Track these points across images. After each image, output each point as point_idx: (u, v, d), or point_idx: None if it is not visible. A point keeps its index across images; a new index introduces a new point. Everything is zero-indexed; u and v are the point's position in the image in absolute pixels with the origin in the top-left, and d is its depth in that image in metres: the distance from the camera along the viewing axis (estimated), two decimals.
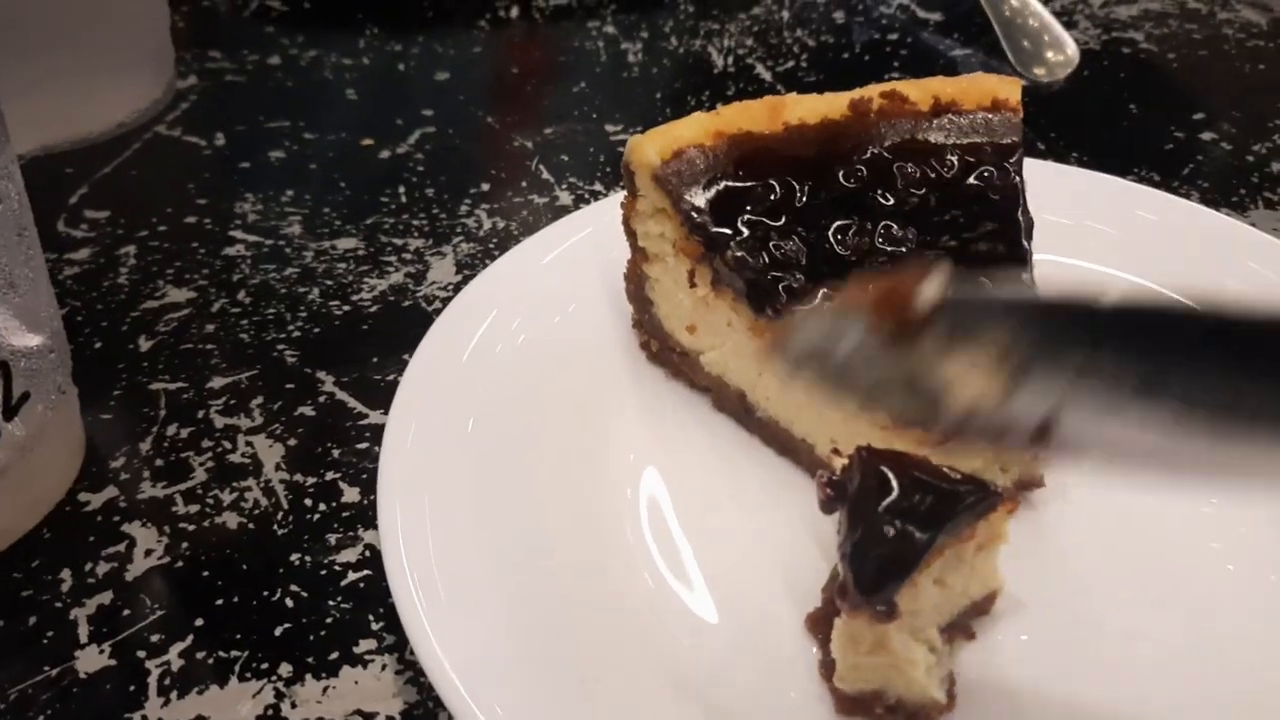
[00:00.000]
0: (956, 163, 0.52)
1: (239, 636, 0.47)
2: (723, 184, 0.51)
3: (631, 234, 0.55)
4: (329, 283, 0.67)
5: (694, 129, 0.52)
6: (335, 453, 0.56)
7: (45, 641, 0.47)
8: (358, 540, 0.51)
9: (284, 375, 0.60)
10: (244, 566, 0.50)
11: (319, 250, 0.69)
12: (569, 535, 0.47)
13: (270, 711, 0.44)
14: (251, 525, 0.52)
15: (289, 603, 0.49)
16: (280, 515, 0.53)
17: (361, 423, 0.57)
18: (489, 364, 0.53)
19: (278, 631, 0.47)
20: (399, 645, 0.47)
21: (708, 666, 0.43)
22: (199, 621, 0.48)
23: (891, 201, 0.51)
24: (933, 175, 0.52)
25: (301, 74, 0.88)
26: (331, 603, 0.49)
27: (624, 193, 0.54)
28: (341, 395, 0.59)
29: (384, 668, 0.46)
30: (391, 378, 0.60)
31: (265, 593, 0.49)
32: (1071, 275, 0.59)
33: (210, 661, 0.46)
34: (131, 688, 0.45)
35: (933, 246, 0.49)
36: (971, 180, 0.51)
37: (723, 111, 0.53)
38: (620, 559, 0.47)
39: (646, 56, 0.91)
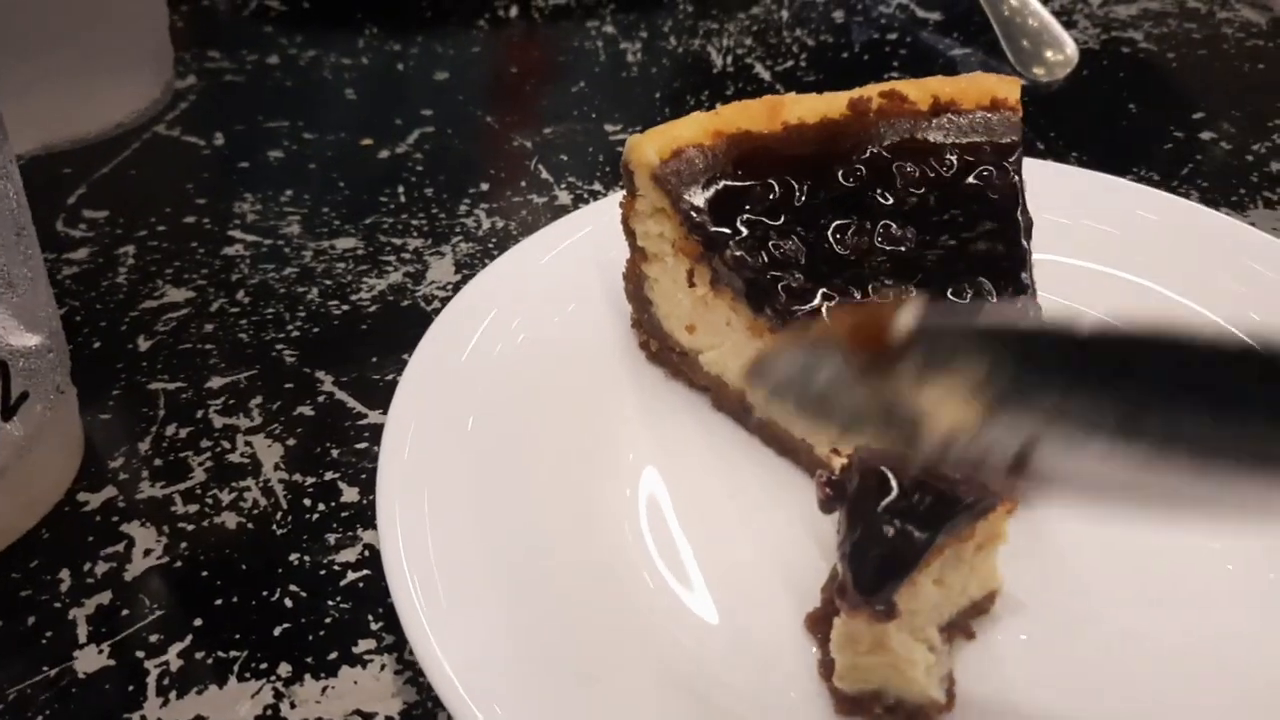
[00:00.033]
0: (956, 162, 0.52)
1: (238, 636, 0.47)
2: (722, 183, 0.51)
3: (630, 234, 0.55)
4: (328, 282, 0.67)
5: (693, 128, 0.52)
6: (334, 452, 0.56)
7: (44, 642, 0.47)
8: (357, 540, 0.51)
9: (283, 375, 0.60)
10: (243, 566, 0.50)
11: (318, 250, 0.69)
12: (568, 535, 0.47)
13: (269, 712, 0.44)
14: (250, 525, 0.52)
15: (288, 603, 0.49)
16: (279, 515, 0.53)
17: (360, 422, 0.57)
18: (488, 364, 0.53)
19: (277, 631, 0.47)
20: (398, 645, 0.47)
21: (707, 666, 0.43)
22: (198, 621, 0.48)
23: (891, 201, 0.51)
24: (932, 175, 0.52)
25: (300, 74, 0.88)
26: (331, 603, 0.49)
27: (623, 192, 0.54)
28: (341, 395, 0.59)
29: (383, 668, 0.46)
30: (391, 377, 0.60)
31: (264, 593, 0.49)
32: (1072, 275, 0.59)
33: (209, 661, 0.46)
34: (130, 688, 0.45)
35: (932, 246, 0.49)
36: (971, 180, 0.51)
37: (722, 111, 0.53)
38: (620, 559, 0.47)
39: (645, 56, 0.91)
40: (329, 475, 0.54)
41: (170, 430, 0.57)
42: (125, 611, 0.48)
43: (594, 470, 0.51)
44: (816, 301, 0.47)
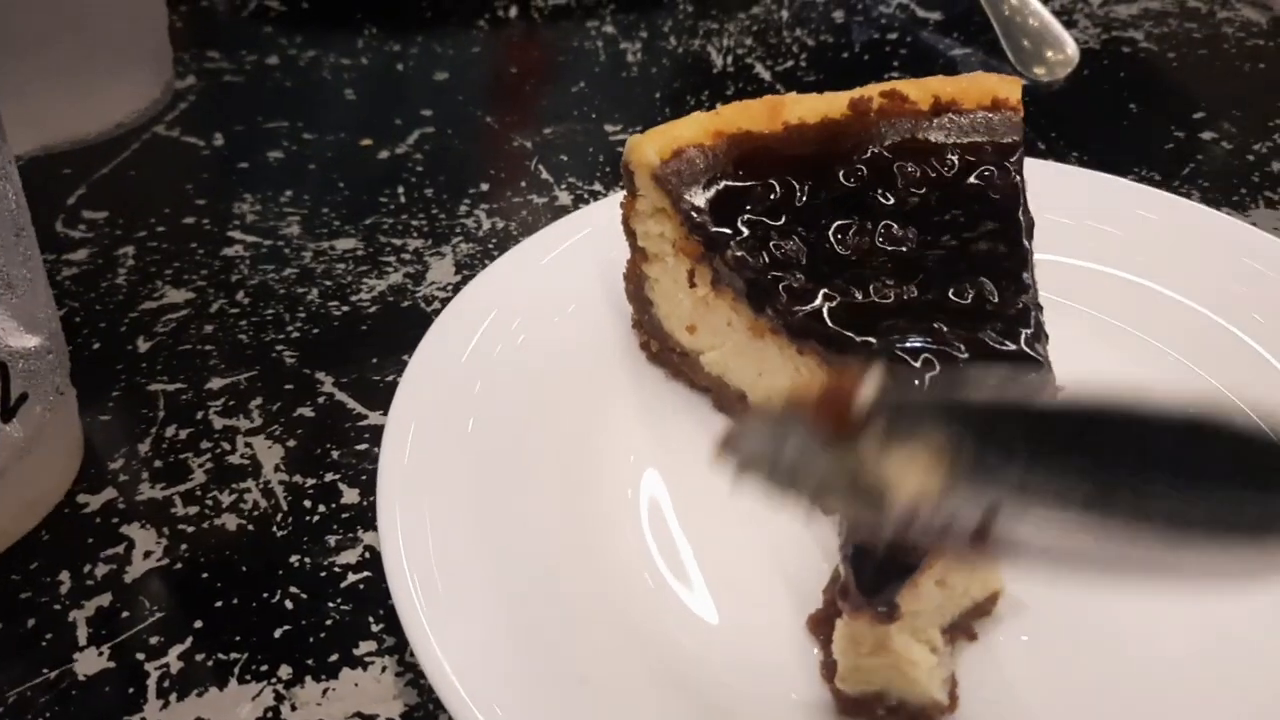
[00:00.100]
0: (957, 162, 0.52)
1: (238, 638, 0.47)
2: (722, 184, 0.51)
3: (631, 234, 0.55)
4: (328, 283, 0.67)
5: (693, 129, 0.52)
6: (334, 454, 0.56)
7: (44, 644, 0.47)
8: (357, 542, 0.51)
9: (283, 376, 0.60)
10: (243, 568, 0.50)
11: (318, 251, 0.69)
12: (569, 536, 0.47)
13: (270, 714, 0.44)
14: (251, 527, 0.52)
15: (288, 604, 0.48)
16: (280, 517, 0.52)
17: (361, 424, 0.57)
18: (488, 364, 0.53)
19: (277, 633, 0.47)
20: (399, 647, 0.47)
21: (708, 668, 0.43)
22: (198, 623, 0.48)
23: (892, 201, 0.51)
24: (933, 175, 0.51)
25: (300, 74, 0.88)
26: (331, 604, 0.48)
27: (623, 193, 0.54)
28: (341, 396, 0.59)
29: (384, 669, 0.46)
30: (391, 378, 0.60)
31: (265, 594, 0.49)
32: (1073, 275, 0.59)
33: (210, 664, 0.46)
34: (130, 690, 0.45)
35: (933, 246, 0.49)
36: (972, 180, 0.51)
37: (722, 111, 0.53)
38: (621, 560, 0.47)
39: (645, 56, 0.91)
40: (329, 476, 0.54)
41: (170, 431, 0.57)
42: (125, 613, 0.48)
43: (595, 471, 0.51)
44: (818, 302, 0.47)
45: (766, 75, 0.88)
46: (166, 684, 0.45)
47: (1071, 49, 0.87)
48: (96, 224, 0.71)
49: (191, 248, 0.69)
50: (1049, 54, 0.87)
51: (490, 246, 0.70)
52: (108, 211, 0.72)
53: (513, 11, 0.97)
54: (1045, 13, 0.89)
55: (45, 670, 0.46)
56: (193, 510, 0.53)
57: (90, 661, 0.46)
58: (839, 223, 0.50)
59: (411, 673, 0.46)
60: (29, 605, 0.48)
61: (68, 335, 0.54)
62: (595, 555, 0.47)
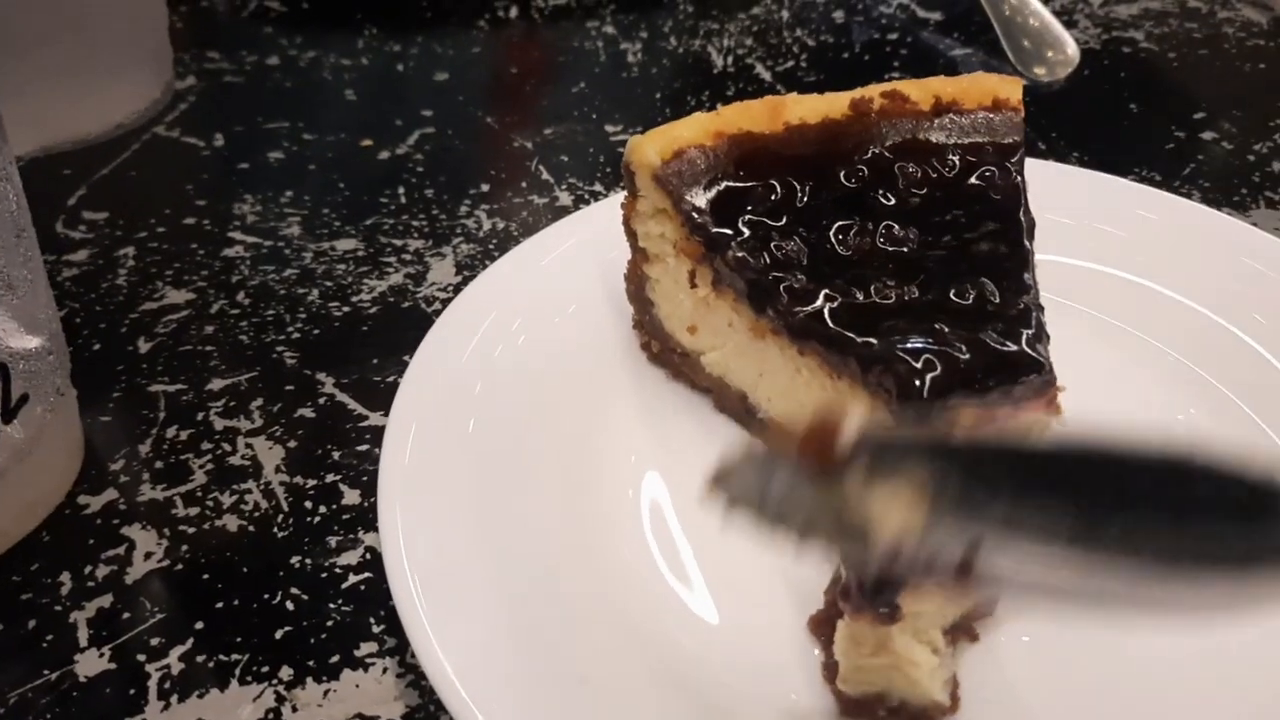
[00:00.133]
0: (958, 162, 0.52)
1: (239, 640, 0.47)
2: (723, 184, 0.51)
3: (632, 234, 0.55)
4: (328, 284, 0.67)
5: (694, 129, 0.52)
6: (335, 455, 0.56)
7: (45, 645, 0.47)
8: (358, 543, 0.51)
9: (284, 377, 0.60)
10: (244, 569, 0.50)
11: (318, 251, 0.69)
12: (570, 537, 0.47)
13: (271, 715, 0.44)
14: (252, 528, 0.52)
15: (289, 606, 0.48)
16: (280, 518, 0.52)
17: (362, 424, 0.57)
18: (489, 365, 0.53)
19: (278, 634, 0.47)
20: (400, 648, 0.47)
21: (708, 668, 0.43)
22: (199, 625, 0.48)
23: (893, 201, 0.51)
24: (934, 175, 0.51)
25: (300, 75, 0.88)
26: (332, 605, 0.48)
27: (624, 193, 0.54)
28: (341, 397, 0.59)
29: (385, 671, 0.46)
30: (391, 379, 0.60)
31: (266, 595, 0.49)
32: (1074, 276, 0.59)
33: (211, 665, 0.46)
34: (131, 691, 0.45)
35: (934, 246, 0.49)
36: (973, 180, 0.51)
37: (723, 111, 0.53)
38: (621, 560, 0.47)
39: (646, 56, 0.91)
40: (330, 477, 0.54)
41: (171, 432, 0.57)
42: (126, 615, 0.48)
43: (595, 471, 0.51)
44: (819, 303, 0.47)
45: (767, 75, 0.88)
46: (167, 685, 0.45)
47: (1072, 49, 0.87)
48: (97, 225, 0.71)
49: (192, 248, 0.69)
50: (1049, 54, 0.87)
51: (491, 247, 0.70)
52: (108, 212, 0.72)
53: (513, 12, 0.97)
54: (1045, 13, 0.89)
55: (46, 671, 0.46)
56: (193, 511, 0.53)
57: (91, 663, 0.46)
58: (840, 223, 0.50)
59: (412, 674, 0.46)
60: (30, 606, 0.48)
61: (68, 336, 0.54)
62: (596, 555, 0.47)
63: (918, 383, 0.43)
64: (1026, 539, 0.27)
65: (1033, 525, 0.27)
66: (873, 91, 0.53)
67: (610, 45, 0.92)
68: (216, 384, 0.60)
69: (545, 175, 0.76)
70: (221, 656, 0.46)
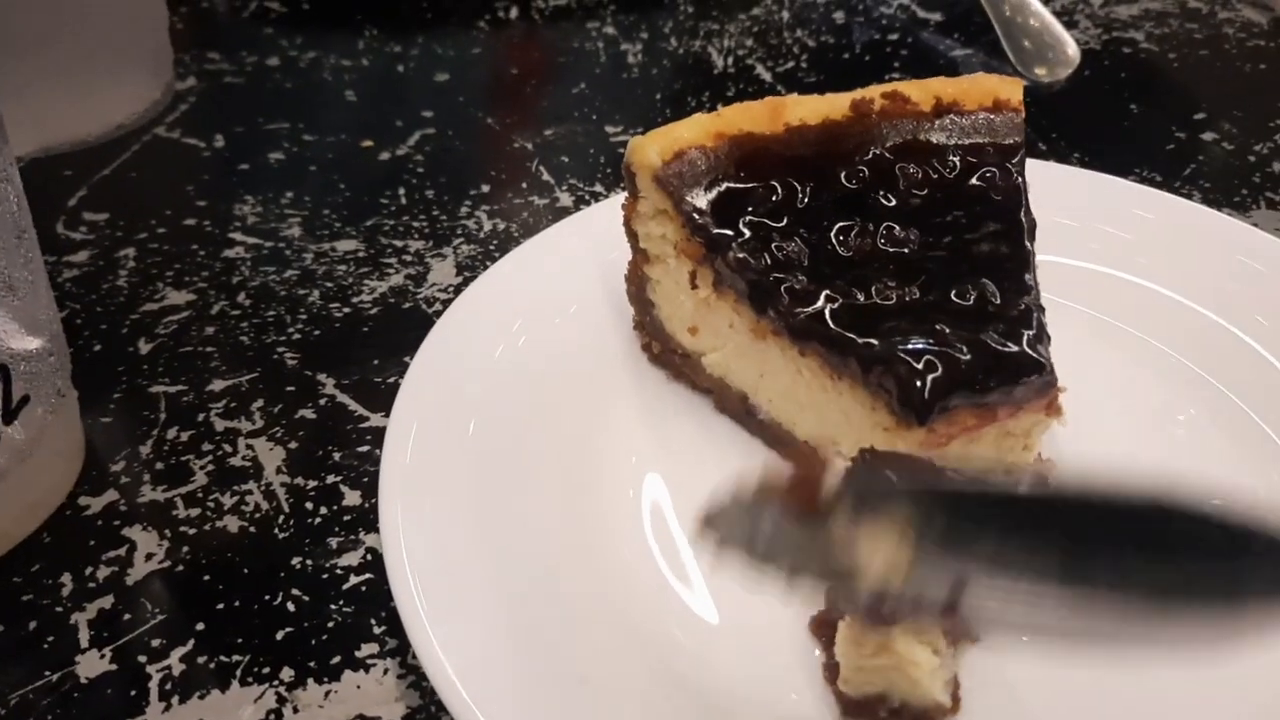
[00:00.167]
0: (958, 163, 0.52)
1: (240, 641, 0.47)
2: (724, 185, 0.51)
3: (633, 235, 0.55)
4: (329, 285, 0.67)
5: (695, 130, 0.52)
6: (336, 456, 0.56)
7: (46, 646, 0.47)
8: (359, 544, 0.51)
9: (284, 378, 0.60)
10: (245, 570, 0.50)
11: (319, 252, 0.69)
12: (570, 537, 0.47)
13: (272, 716, 0.44)
14: (252, 529, 0.52)
15: (290, 607, 0.48)
16: (281, 519, 0.52)
17: (362, 425, 0.57)
18: (490, 366, 0.53)
19: (279, 636, 0.47)
20: (401, 649, 0.47)
21: (710, 669, 0.43)
22: (200, 626, 0.48)
23: (893, 202, 0.51)
24: (935, 176, 0.51)
25: (300, 75, 0.88)
26: (333, 606, 0.48)
27: (624, 194, 0.54)
28: (342, 398, 0.59)
29: (386, 672, 0.46)
30: (392, 380, 0.60)
31: (266, 597, 0.49)
32: (1074, 276, 0.59)
33: (211, 666, 0.46)
34: (132, 693, 0.45)
35: (935, 247, 0.49)
36: (974, 181, 0.51)
37: (724, 112, 0.53)
38: (622, 561, 0.47)
39: (646, 57, 0.91)
40: (331, 478, 0.54)
41: (171, 433, 0.57)
42: (127, 616, 0.48)
43: (596, 472, 0.51)
44: (820, 303, 0.47)
45: (767, 76, 0.88)
46: (168, 686, 0.45)
47: (1072, 49, 0.87)
48: (97, 226, 0.71)
49: (192, 249, 0.69)
50: (1049, 55, 0.87)
51: (491, 248, 0.70)
52: (108, 213, 0.72)
53: (513, 12, 0.97)
54: (1046, 13, 0.89)
55: (47, 673, 0.46)
56: (194, 512, 0.53)
57: (92, 664, 0.46)
58: (841, 224, 0.50)
59: (413, 674, 0.46)
60: (31, 608, 0.48)
61: (69, 337, 0.54)
62: (596, 556, 0.47)
63: (918, 383, 0.43)
64: (1015, 577, 0.27)
65: (1020, 564, 0.27)
66: (873, 92, 0.53)
67: (611, 46, 0.92)
68: (217, 385, 0.60)
69: (546, 176, 0.76)
70: (222, 657, 0.46)
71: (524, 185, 0.75)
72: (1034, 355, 0.44)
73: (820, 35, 0.94)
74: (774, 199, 0.51)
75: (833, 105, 0.53)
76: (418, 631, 0.41)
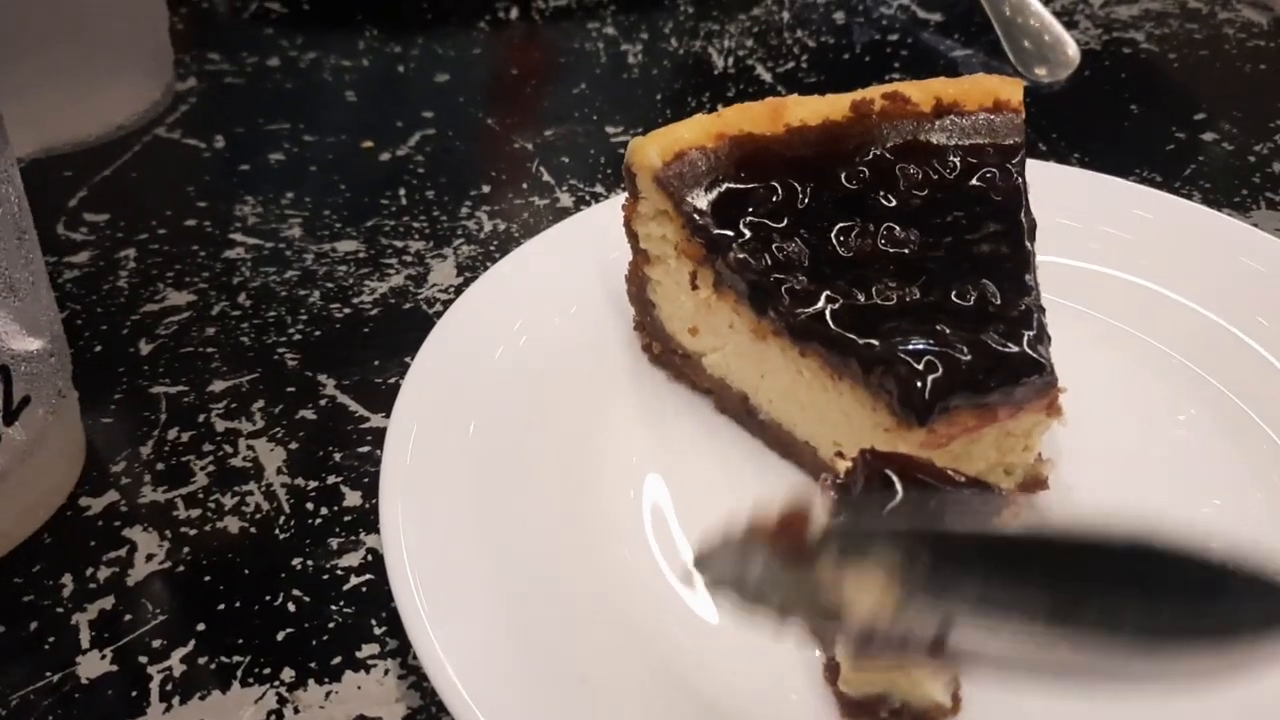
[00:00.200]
0: (959, 164, 0.52)
1: (241, 641, 0.47)
2: (724, 186, 0.51)
3: (633, 236, 0.55)
4: (329, 285, 0.67)
5: (695, 131, 0.52)
6: (337, 456, 0.56)
7: (46, 647, 0.47)
8: (360, 544, 0.51)
9: (285, 378, 0.60)
10: (246, 571, 0.50)
11: (319, 253, 0.69)
12: (571, 537, 0.47)
13: (273, 717, 0.44)
14: (253, 529, 0.52)
15: (291, 607, 0.48)
16: (282, 519, 0.52)
17: (363, 426, 0.57)
18: (490, 366, 0.53)
19: (280, 636, 0.47)
20: (402, 650, 0.47)
21: (710, 669, 0.43)
22: (201, 626, 0.48)
23: (894, 203, 0.51)
24: (935, 176, 0.51)
25: (301, 76, 0.88)
26: (334, 607, 0.48)
27: (625, 194, 0.54)
28: (343, 398, 0.59)
29: (386, 672, 0.46)
30: (393, 381, 0.60)
31: (267, 597, 0.49)
32: (1075, 277, 0.59)
33: (212, 667, 0.46)
34: (133, 693, 0.45)
35: (935, 248, 0.49)
36: (974, 181, 0.51)
37: (724, 113, 0.53)
38: (622, 561, 0.47)
39: (646, 58, 0.91)
40: (331, 479, 0.54)
41: (172, 434, 0.57)
42: (128, 617, 0.48)
43: (596, 472, 0.51)
44: (820, 304, 0.47)
45: (768, 77, 0.88)
46: (169, 687, 0.45)
47: (1072, 50, 0.87)
48: (98, 226, 0.71)
49: (193, 250, 0.69)
50: (1050, 55, 0.87)
51: (492, 248, 0.70)
52: (109, 214, 0.72)
53: (513, 13, 0.97)
54: (1046, 14, 0.89)
55: (48, 674, 0.46)
56: (195, 513, 0.53)
57: (93, 665, 0.46)
58: (841, 225, 0.50)
59: (414, 675, 0.46)
60: (31, 608, 0.48)
61: (69, 338, 0.54)
62: (596, 556, 0.47)
63: (919, 384, 0.43)
64: (1002, 617, 0.28)
65: (1008, 604, 0.28)
66: (874, 93, 0.53)
67: (611, 46, 0.92)
68: (218, 386, 0.60)
69: (546, 177, 0.76)
70: (223, 658, 0.46)
71: (524, 186, 0.75)
72: (1034, 356, 0.44)
73: (820, 36, 0.94)
74: (774, 199, 0.51)
75: (833, 106, 0.53)
76: (418, 632, 0.41)
